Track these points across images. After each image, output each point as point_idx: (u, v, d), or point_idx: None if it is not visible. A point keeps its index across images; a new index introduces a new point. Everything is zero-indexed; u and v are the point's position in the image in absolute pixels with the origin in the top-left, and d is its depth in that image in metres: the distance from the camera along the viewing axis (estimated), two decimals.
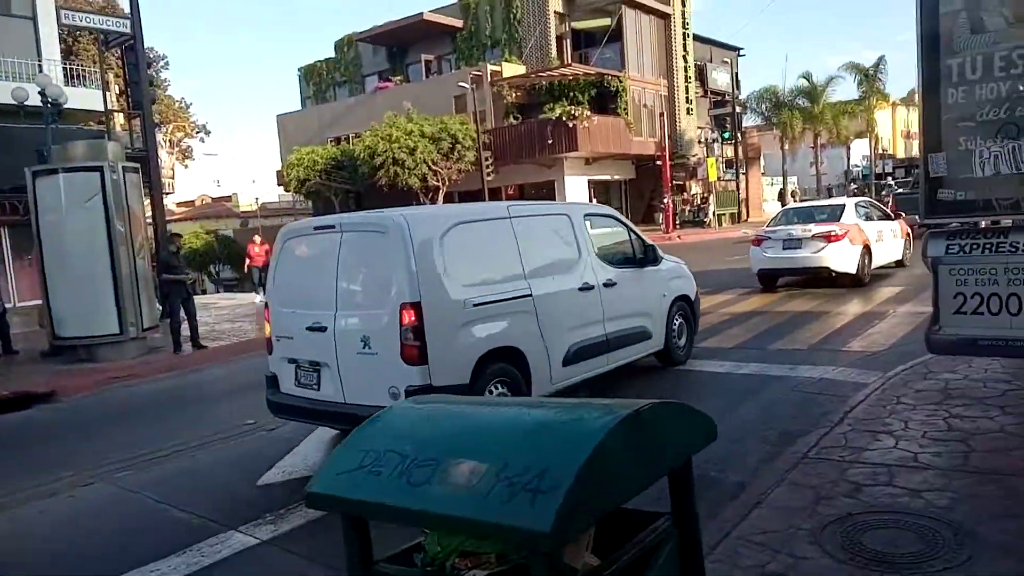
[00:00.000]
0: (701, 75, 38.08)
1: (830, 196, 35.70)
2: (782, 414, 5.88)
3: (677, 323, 7.74)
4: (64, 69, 20.06)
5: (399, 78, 35.48)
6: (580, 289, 6.37)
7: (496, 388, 5.54)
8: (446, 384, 5.09)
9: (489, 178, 28.13)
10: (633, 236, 7.53)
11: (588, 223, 6.89)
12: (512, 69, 31.65)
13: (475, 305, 5.41)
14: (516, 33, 33.40)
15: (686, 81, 35.51)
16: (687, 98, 35.60)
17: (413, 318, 5.04)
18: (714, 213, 34.58)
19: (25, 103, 14.40)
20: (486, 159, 28.15)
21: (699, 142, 36.21)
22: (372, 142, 27.54)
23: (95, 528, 4.90)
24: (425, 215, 5.97)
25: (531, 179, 30.60)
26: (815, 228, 12.29)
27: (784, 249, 12.43)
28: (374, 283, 5.36)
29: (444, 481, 1.68)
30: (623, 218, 7.83)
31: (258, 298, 17.70)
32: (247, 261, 18.93)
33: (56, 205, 11.02)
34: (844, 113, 37.93)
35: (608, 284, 6.67)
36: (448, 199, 28.95)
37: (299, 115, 37.66)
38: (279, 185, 35.10)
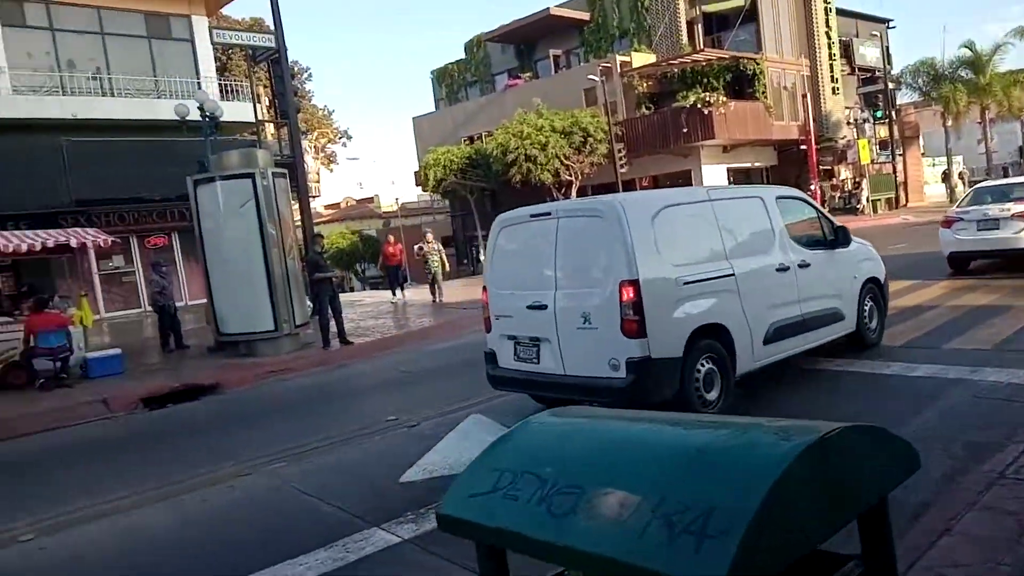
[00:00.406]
0: (847, 51, 35.45)
1: (1005, 175, 32.19)
2: (966, 424, 5.19)
3: (868, 305, 7.67)
4: (219, 85, 21.60)
5: (528, 75, 35.57)
6: (777, 270, 6.53)
7: (705, 364, 5.80)
8: (662, 357, 5.46)
9: (622, 170, 27.61)
10: (823, 218, 7.60)
11: (780, 205, 6.95)
12: (642, 59, 30.89)
13: (685, 283, 5.72)
14: (644, 21, 32.56)
15: (830, 59, 33.17)
16: (832, 76, 33.26)
17: (632, 295, 5.39)
18: (868, 199, 32.14)
19: (186, 118, 15.59)
20: (619, 151, 27.64)
21: (847, 123, 33.74)
22: (504, 139, 27.74)
23: (250, 518, 5.11)
24: (637, 199, 6.59)
25: (666, 169, 29.74)
26: (1015, 207, 11.24)
27: (979, 230, 11.55)
28: (592, 263, 5.76)
29: (590, 513, 1.48)
30: (813, 201, 7.78)
31: (394, 298, 18.21)
32: (383, 260, 19.55)
33: (215, 211, 11.83)
34: (1016, 83, 34.05)
35: (802, 265, 6.75)
36: (581, 193, 28.69)
37: (433, 116, 38.66)
38: (417, 185, 36.21)
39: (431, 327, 13.60)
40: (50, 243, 11.67)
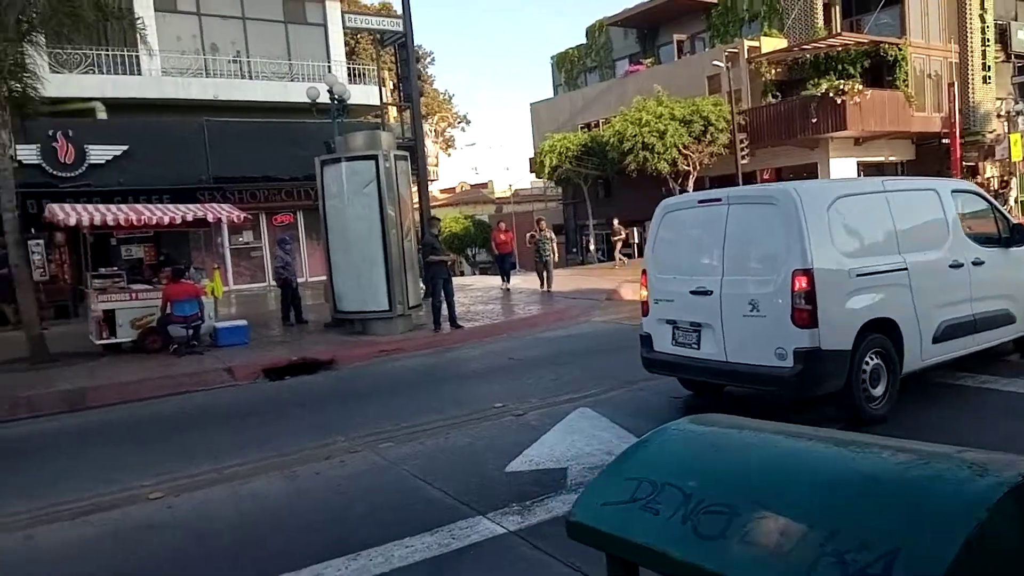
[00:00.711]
0: (1003, 36, 32.41)
1: None
2: None
3: None
4: (347, 69, 22.33)
5: (650, 60, 34.73)
6: (951, 266, 6.32)
7: (872, 359, 5.69)
8: (831, 348, 5.37)
9: (744, 161, 26.54)
10: (999, 215, 7.26)
11: (955, 199, 6.71)
12: (772, 43, 29.46)
13: (858, 275, 5.63)
14: (778, 4, 31.03)
15: (983, 44, 30.41)
16: (984, 64, 30.52)
17: (805, 284, 5.35)
18: (1017, 199, 29.44)
19: (316, 100, 16.17)
20: (741, 141, 26.56)
21: (998, 116, 30.94)
22: (621, 127, 27.24)
23: (359, 495, 5.19)
24: (812, 187, 6.40)
25: (791, 162, 28.33)
26: None
27: None
28: (763, 251, 5.76)
29: (744, 538, 1.31)
30: (988, 196, 7.34)
31: (503, 284, 18.24)
32: (493, 247, 19.59)
33: (339, 191, 12.19)
34: None
35: (976, 263, 6.51)
36: (699, 184, 27.80)
37: (551, 102, 38.48)
38: (531, 172, 36.24)
39: (540, 315, 13.54)
40: (189, 217, 12.39)
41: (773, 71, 29.29)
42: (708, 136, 26.49)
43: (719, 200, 6.08)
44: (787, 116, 27.29)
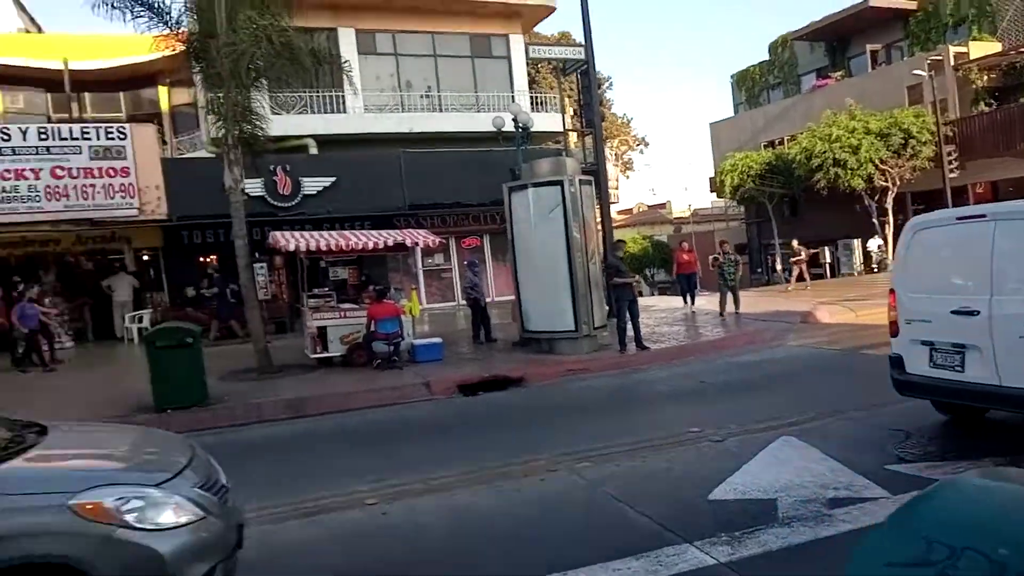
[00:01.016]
0: None
1: None
2: None
3: None
4: (530, 98, 23.07)
5: (839, 73, 32.75)
6: None
7: None
8: None
9: (952, 175, 24.19)
10: None
11: None
12: (982, 48, 26.72)
13: None
14: (988, 5, 28.14)
15: None
16: None
17: None
18: None
19: (502, 129, 16.86)
20: (949, 154, 24.25)
21: None
22: (809, 143, 25.87)
23: (562, 514, 5.28)
24: None
25: (1009, 174, 25.38)
26: None
27: None
28: None
29: None
30: None
31: (685, 306, 17.84)
32: (675, 267, 19.21)
33: (526, 216, 12.61)
34: None
35: None
36: (898, 201, 25.71)
37: (731, 121, 37.38)
38: (711, 191, 35.34)
39: (729, 338, 13.11)
40: (390, 242, 13.34)
41: (985, 77, 26.58)
42: (909, 150, 24.46)
43: (983, 216, 5.81)
44: (1005, 125, 24.57)
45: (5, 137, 15.55)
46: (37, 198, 15.68)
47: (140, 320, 16.96)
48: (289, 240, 13.37)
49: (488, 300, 16.22)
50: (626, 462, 6.32)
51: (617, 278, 12.34)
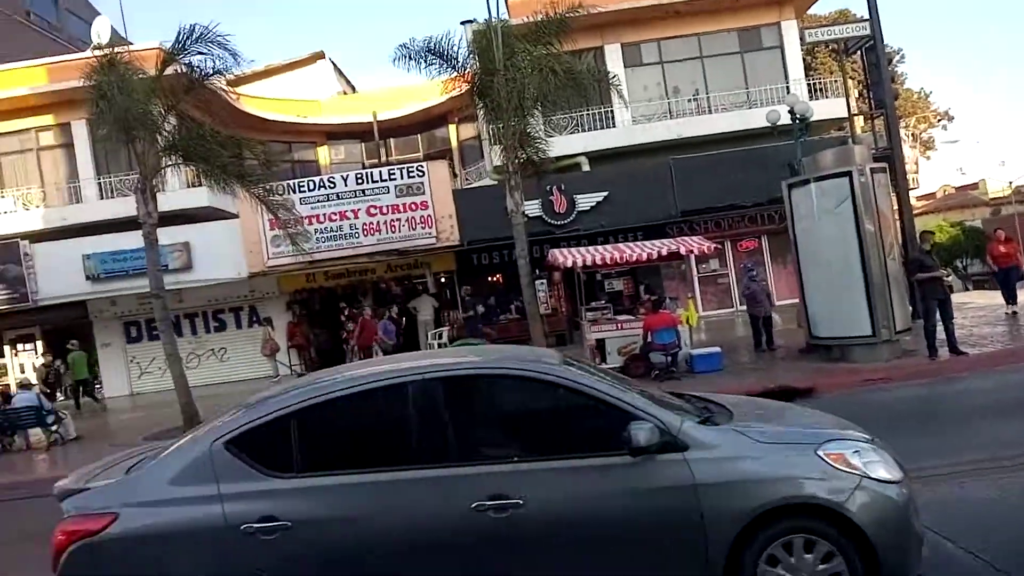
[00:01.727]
0: None
1: None
2: None
3: None
4: (807, 85, 21.52)
5: None
6: None
7: None
8: None
9: None
10: None
11: None
12: None
13: None
14: None
15: None
16: None
17: None
18: None
19: (777, 123, 15.94)
20: None
21: None
22: None
23: None
24: None
25: None
26: None
27: None
28: None
29: None
30: None
31: (1007, 307, 14.96)
32: (990, 260, 15.99)
33: (808, 212, 11.74)
34: None
35: None
36: None
37: None
38: None
39: None
40: (664, 251, 13.29)
41: None
42: None
43: None
44: None
45: (331, 185, 18.40)
46: (356, 234, 18.29)
47: (440, 336, 18.86)
48: (567, 256, 13.96)
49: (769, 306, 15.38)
50: (941, 486, 5.58)
51: (920, 274, 10.96)
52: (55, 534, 3.59)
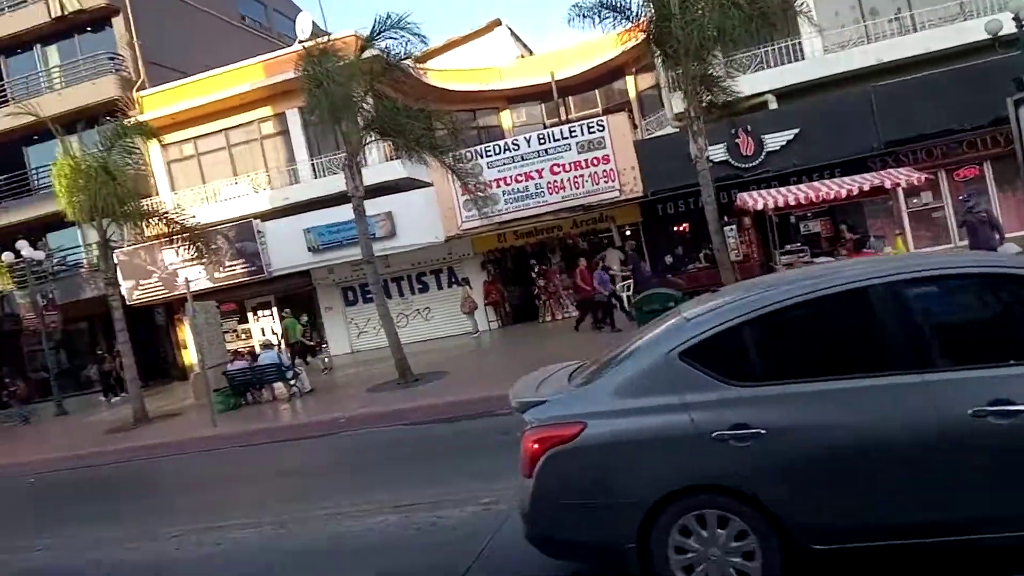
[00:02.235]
0: None
1: None
2: None
3: None
4: None
5: None
6: None
7: None
8: None
9: None
10: None
11: None
12: None
13: None
14: None
15: None
16: None
17: None
18: None
19: (998, 34, 14.18)
20: None
21: None
22: None
23: None
24: None
25: None
26: None
27: None
28: None
29: None
30: None
31: None
32: None
33: None
34: None
35: None
36: None
37: None
38: None
39: None
40: (866, 187, 12.50)
41: None
42: None
43: None
44: None
45: (515, 147, 19.04)
46: (541, 193, 18.84)
47: (628, 288, 19.01)
48: (756, 199, 13.55)
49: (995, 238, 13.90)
50: None
51: None
52: (527, 442, 3.97)
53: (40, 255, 22.05)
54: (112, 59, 23.42)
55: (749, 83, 18.70)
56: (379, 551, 5.67)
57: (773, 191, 14.10)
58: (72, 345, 25.48)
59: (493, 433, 9.41)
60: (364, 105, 14.48)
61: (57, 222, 20.66)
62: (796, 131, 17.78)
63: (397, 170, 21.10)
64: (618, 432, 3.82)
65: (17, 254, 21.16)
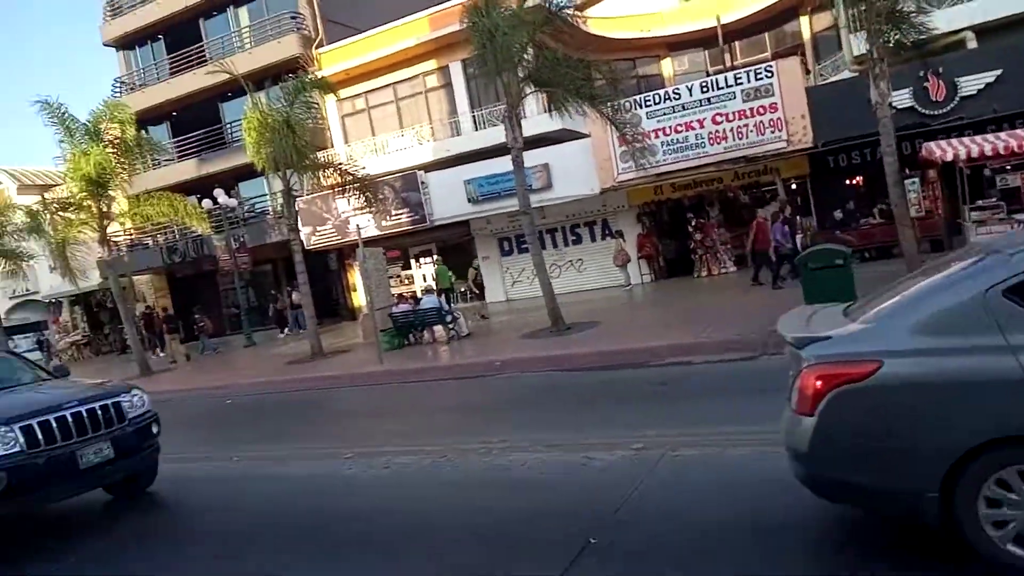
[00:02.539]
0: None
1: None
2: None
3: None
4: None
5: None
6: None
7: None
8: None
9: None
10: None
11: None
12: None
13: None
14: None
15: None
16: None
17: None
18: None
19: None
20: None
21: None
22: None
23: None
24: None
25: None
26: None
27: None
28: None
29: None
30: None
31: None
32: None
33: None
34: None
35: None
36: None
37: None
38: None
39: None
40: None
41: None
42: None
43: None
44: None
45: (676, 96, 18.48)
46: (702, 144, 18.23)
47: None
48: (945, 149, 12.40)
49: None
50: None
51: None
52: (808, 379, 3.74)
53: (233, 203, 24.39)
54: (294, 18, 25.03)
55: (944, 19, 16.90)
56: (532, 486, 5.98)
57: (966, 139, 12.79)
58: (258, 285, 28.13)
59: (644, 383, 9.51)
60: (525, 56, 14.59)
61: (247, 172, 22.65)
62: (997, 73, 15.93)
63: (554, 121, 21.15)
64: (923, 373, 3.55)
65: (214, 201, 23.50)
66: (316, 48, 24.58)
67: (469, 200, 21.49)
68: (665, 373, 9.89)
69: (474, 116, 23.23)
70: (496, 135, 19.80)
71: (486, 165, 20.95)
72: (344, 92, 23.98)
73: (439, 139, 23.74)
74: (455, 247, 24.02)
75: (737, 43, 25.45)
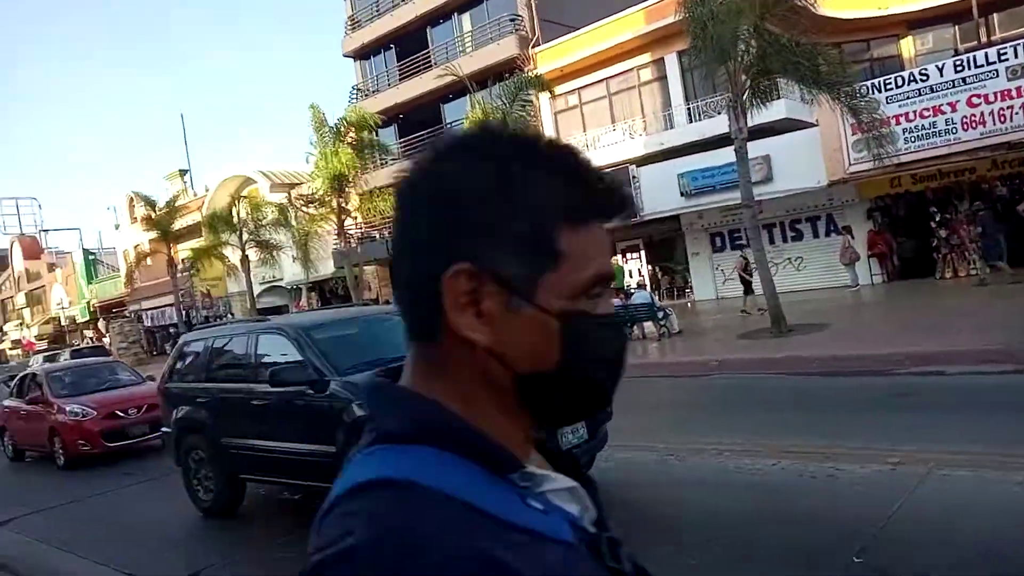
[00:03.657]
0: None
1: None
2: None
3: None
4: None
5: None
6: None
7: None
8: None
9: None
10: None
11: None
12: None
13: None
14: None
15: None
16: None
17: None
18: None
19: None
20: None
21: None
22: None
23: None
24: None
25: None
26: None
27: None
28: None
29: None
30: None
31: None
32: None
33: None
34: None
35: None
36: None
37: None
38: None
39: None
40: None
41: None
42: None
43: None
44: None
45: (923, 78, 16.71)
46: (953, 130, 16.33)
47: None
48: None
49: None
50: None
51: None
52: None
53: None
54: (512, 20, 25.90)
55: None
56: (775, 492, 5.68)
57: None
58: None
59: (886, 393, 8.71)
60: (751, 43, 13.93)
61: None
62: None
63: (778, 111, 20.02)
64: None
65: None
66: (532, 47, 25.25)
67: (682, 194, 20.98)
68: (910, 384, 9.00)
69: (689, 108, 22.62)
70: (712, 127, 19.17)
71: (700, 158, 20.32)
72: (558, 89, 24.40)
73: (651, 132, 23.40)
74: (662, 242, 23.57)
75: (995, 15, 22.47)
